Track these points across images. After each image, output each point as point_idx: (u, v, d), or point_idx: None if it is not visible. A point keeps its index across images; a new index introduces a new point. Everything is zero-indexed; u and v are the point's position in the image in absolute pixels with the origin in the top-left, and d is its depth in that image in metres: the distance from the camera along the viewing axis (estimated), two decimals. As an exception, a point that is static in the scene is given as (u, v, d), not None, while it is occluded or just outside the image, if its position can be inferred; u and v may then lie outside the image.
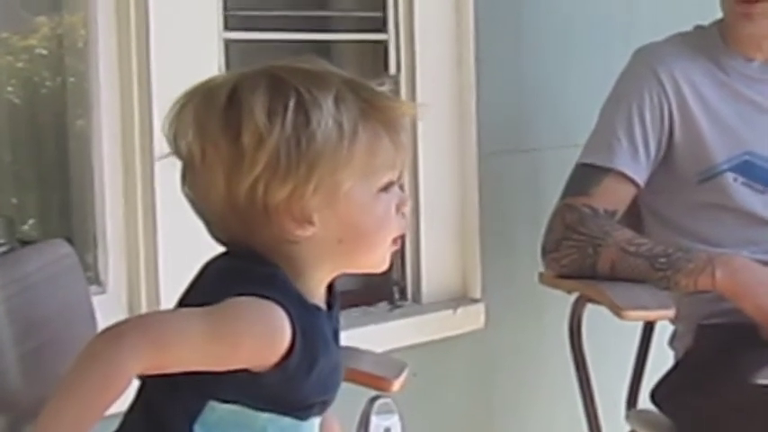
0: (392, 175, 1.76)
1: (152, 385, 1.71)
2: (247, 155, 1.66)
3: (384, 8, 3.23)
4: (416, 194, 3.20)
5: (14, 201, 2.87)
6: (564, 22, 3.49)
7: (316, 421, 1.85)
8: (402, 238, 1.84)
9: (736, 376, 2.65)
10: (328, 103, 1.68)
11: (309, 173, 1.66)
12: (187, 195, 1.77)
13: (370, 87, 1.77)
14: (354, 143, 1.70)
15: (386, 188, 1.75)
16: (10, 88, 2.85)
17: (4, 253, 2.27)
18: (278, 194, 1.67)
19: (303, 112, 1.67)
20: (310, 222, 1.70)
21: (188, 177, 1.76)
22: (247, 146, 1.66)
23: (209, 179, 1.71)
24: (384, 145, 1.74)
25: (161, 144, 2.46)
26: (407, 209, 1.81)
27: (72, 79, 2.79)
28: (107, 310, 2.42)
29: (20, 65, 2.86)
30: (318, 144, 1.67)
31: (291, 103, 1.67)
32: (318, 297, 1.80)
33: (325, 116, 1.67)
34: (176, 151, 1.75)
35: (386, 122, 1.74)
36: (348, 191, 1.71)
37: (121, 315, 2.57)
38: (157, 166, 2.64)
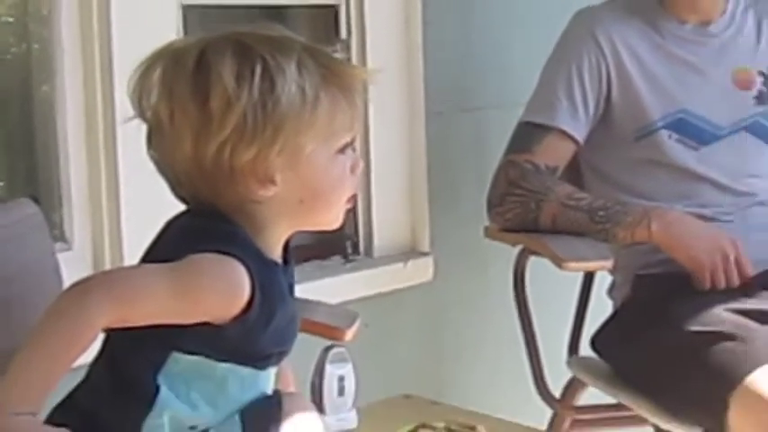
0: (349, 137, 1.79)
1: (117, 338, 1.72)
2: (215, 118, 1.68)
3: (335, -25, 3.22)
4: (367, 153, 3.22)
5: (-17, 163, 2.88)
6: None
7: (272, 371, 1.88)
8: (355, 197, 1.87)
9: (671, 323, 2.69)
10: (291, 69, 1.71)
11: (275, 136, 1.69)
12: (152, 157, 1.78)
13: (327, 54, 1.81)
14: (316, 107, 1.72)
15: (342, 150, 1.78)
16: (-21, 53, 2.85)
17: (-26, 212, 2.26)
18: (244, 156, 1.69)
19: (269, 77, 1.69)
20: (273, 183, 1.72)
21: (154, 139, 1.77)
22: (216, 110, 1.67)
23: (175, 141, 1.72)
24: (342, 108, 1.77)
25: (122, 107, 2.48)
26: (360, 169, 1.83)
27: (36, 46, 2.78)
28: (72, 266, 2.43)
29: (-14, 28, 2.86)
30: (283, 108, 1.69)
31: (258, 69, 1.69)
32: (276, 253, 1.82)
33: (289, 82, 1.70)
34: (141, 113, 1.76)
35: (343, 87, 1.77)
36: (310, 153, 1.74)
37: (87, 271, 2.58)
38: (119, 128, 2.65)
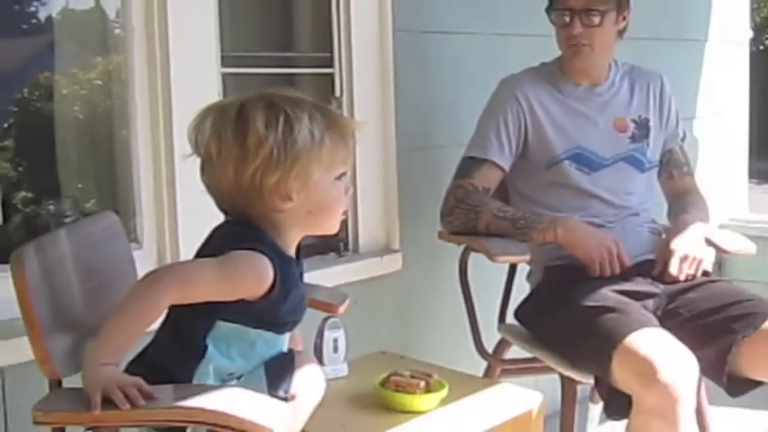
0: (344, 169, 1.82)
1: (177, 311, 1.75)
2: (251, 153, 1.71)
3: (332, 51, 3.24)
4: (355, 179, 3.22)
5: (79, 186, 2.87)
6: (455, 60, 3.51)
7: (288, 335, 1.90)
8: (347, 211, 1.88)
9: (571, 300, 2.71)
10: (305, 119, 1.74)
11: (292, 165, 1.72)
12: (203, 181, 1.81)
13: (329, 109, 1.85)
14: (321, 147, 1.76)
15: (339, 177, 1.81)
16: (76, 108, 2.87)
17: (72, 222, 2.26)
18: (270, 179, 1.72)
19: (289, 125, 1.72)
20: (290, 199, 1.75)
21: (205, 168, 1.79)
22: (251, 146, 1.71)
23: (221, 169, 1.74)
24: (340, 148, 1.80)
25: (179, 146, 2.52)
26: (350, 192, 1.85)
27: (118, 102, 2.79)
28: (142, 260, 2.44)
29: (83, 92, 2.87)
30: (299, 146, 1.72)
31: (281, 119, 1.72)
32: (291, 251, 1.85)
33: (303, 128, 1.73)
34: (196, 150, 1.79)
35: (341, 133, 1.80)
36: (316, 179, 1.77)
37: (153, 264, 2.59)
38: (177, 161, 2.67)
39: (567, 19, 2.90)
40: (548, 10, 2.98)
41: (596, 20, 2.89)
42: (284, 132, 1.72)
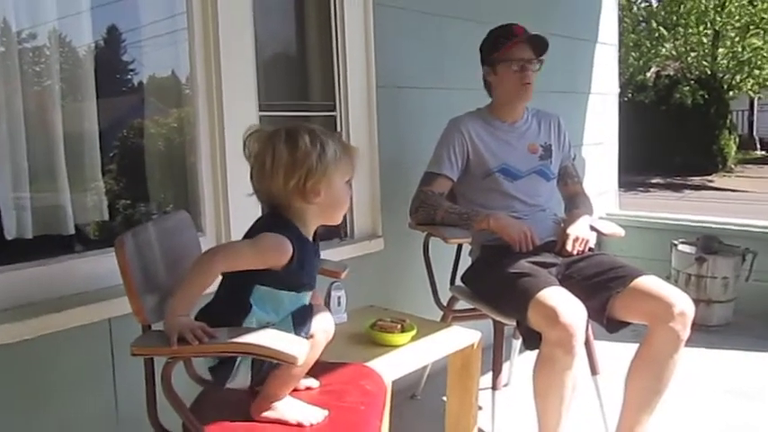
0: (351, 176, 1.81)
1: (228, 277, 1.73)
2: (297, 165, 1.71)
3: (334, 100, 3.22)
4: (352, 186, 3.19)
5: (162, 195, 2.85)
6: (417, 106, 3.51)
7: (308, 294, 1.88)
8: (348, 208, 1.87)
9: (499, 268, 2.70)
10: (330, 142, 1.74)
11: (324, 172, 1.72)
12: (253, 184, 1.78)
13: (343, 140, 1.84)
14: (340, 161, 1.75)
15: (347, 182, 1.80)
16: (159, 142, 2.84)
17: (157, 218, 2.23)
18: (309, 183, 1.72)
19: (323, 145, 1.72)
20: (320, 195, 1.74)
21: (255, 176, 1.76)
22: (299, 158, 1.70)
23: (272, 176, 1.72)
24: (349, 163, 1.79)
25: (231, 169, 2.49)
26: (351, 194, 1.85)
27: (188, 138, 2.76)
28: (206, 244, 2.41)
29: (164, 131, 2.84)
30: (327, 162, 1.72)
31: (318, 141, 1.72)
32: (310, 236, 1.82)
33: (330, 150, 1.73)
34: (248, 159, 1.78)
35: (349, 153, 1.79)
36: (336, 182, 1.76)
37: (212, 245, 2.55)
38: (228, 178, 2.65)
39: (520, 67, 2.88)
40: (491, 64, 2.94)
41: (537, 66, 2.90)
42: (320, 149, 1.72)
